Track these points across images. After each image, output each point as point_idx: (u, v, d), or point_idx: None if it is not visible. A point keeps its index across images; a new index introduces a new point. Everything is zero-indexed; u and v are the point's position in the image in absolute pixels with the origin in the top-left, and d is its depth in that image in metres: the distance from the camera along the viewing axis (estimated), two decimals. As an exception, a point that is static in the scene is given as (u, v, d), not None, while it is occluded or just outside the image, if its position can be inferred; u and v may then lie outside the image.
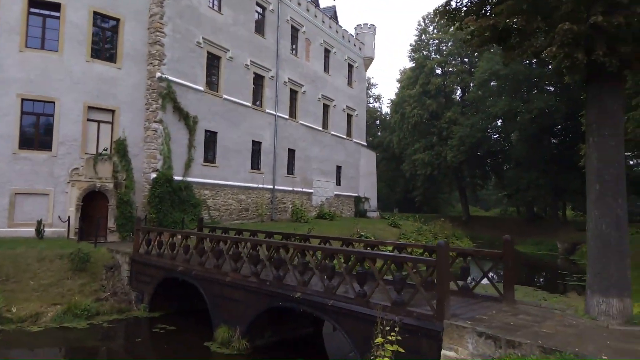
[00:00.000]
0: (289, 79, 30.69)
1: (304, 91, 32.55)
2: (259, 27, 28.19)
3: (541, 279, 22.03)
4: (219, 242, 11.24)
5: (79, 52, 19.32)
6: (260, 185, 28.04)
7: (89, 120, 19.65)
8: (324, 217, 31.83)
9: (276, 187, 29.59)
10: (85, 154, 19.37)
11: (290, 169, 31.45)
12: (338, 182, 37.46)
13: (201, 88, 23.62)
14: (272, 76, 29.07)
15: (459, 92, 58.75)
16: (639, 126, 22.18)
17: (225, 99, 25.31)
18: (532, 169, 43.32)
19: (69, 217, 17.99)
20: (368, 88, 75.48)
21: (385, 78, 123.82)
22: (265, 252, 10.43)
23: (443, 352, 6.70)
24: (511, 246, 8.55)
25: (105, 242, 18.69)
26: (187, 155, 22.81)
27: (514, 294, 8.59)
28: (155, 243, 13.43)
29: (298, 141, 32.05)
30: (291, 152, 31.39)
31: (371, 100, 76.00)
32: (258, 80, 28.18)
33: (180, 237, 12.52)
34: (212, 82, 24.80)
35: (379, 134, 74.30)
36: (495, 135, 52.88)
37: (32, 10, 18.54)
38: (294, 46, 31.77)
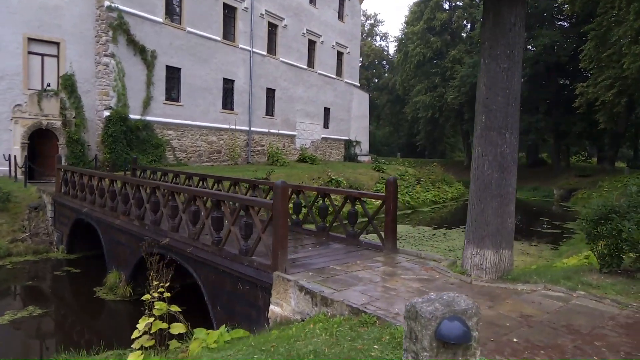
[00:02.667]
0: (266, 11, 28.58)
1: (285, 25, 30.42)
2: (228, -48, 25.88)
3: (522, 226, 20.81)
4: (114, 183, 10.42)
5: (14, -21, 17.91)
6: (233, 127, 26.91)
7: (30, 53, 18.61)
8: (305, 161, 30.74)
9: (253, 128, 28.43)
10: (29, 89, 18.49)
11: (270, 110, 30.08)
12: (326, 125, 35.97)
13: (160, 19, 22.04)
14: (246, 7, 27.04)
15: (468, 28, 54.81)
16: (635, 61, 19.97)
17: (190, 32, 23.69)
18: (536, 111, 40.82)
19: (9, 155, 17.40)
20: (374, 25, 71.55)
21: (395, 15, 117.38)
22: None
23: (271, 307, 5.85)
24: (394, 188, 7.38)
25: (54, 182, 18.26)
26: (146, 93, 21.70)
27: (395, 242, 7.55)
28: (70, 183, 12.73)
29: (278, 80, 30.39)
30: (270, 92, 29.86)
31: (377, 38, 72.15)
32: (229, 11, 26.27)
33: (87, 177, 11.73)
34: (173, 13, 23.12)
35: (385, 75, 71.14)
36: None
37: None
38: (272, -26, 29.35)
